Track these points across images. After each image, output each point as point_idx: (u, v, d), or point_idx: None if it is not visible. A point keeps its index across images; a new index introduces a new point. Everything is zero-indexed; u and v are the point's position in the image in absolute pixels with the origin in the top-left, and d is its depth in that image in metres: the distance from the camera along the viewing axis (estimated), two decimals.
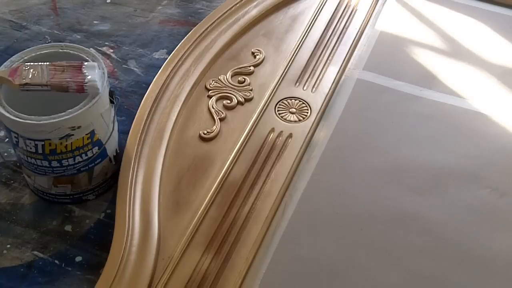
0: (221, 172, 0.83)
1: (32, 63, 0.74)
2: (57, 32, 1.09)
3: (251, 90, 0.95)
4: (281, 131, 0.89)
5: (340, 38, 1.05)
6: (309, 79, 0.98)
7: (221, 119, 0.90)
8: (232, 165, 0.84)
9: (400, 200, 0.82)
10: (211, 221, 0.78)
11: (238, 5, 1.07)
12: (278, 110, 0.92)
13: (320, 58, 1.01)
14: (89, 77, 0.72)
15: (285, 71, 0.98)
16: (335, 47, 1.03)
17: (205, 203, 0.79)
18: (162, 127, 0.87)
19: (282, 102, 0.94)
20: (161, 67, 0.95)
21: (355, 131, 0.91)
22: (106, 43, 1.07)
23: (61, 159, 0.75)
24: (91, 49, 0.87)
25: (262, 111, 0.92)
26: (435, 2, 1.15)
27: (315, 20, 1.08)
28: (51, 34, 1.08)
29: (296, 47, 1.02)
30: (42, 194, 0.82)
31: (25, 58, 0.77)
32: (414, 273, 0.74)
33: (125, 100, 0.96)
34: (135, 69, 1.03)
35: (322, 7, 1.11)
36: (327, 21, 1.08)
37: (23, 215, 0.81)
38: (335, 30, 1.06)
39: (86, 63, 0.74)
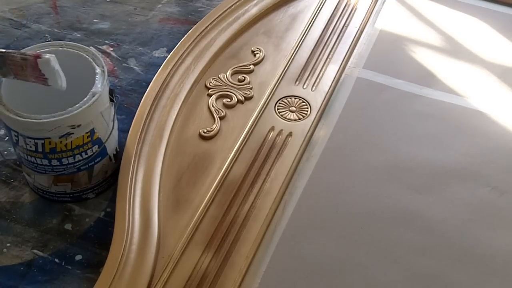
0: (221, 170, 0.83)
1: None
2: (57, 31, 1.09)
3: (251, 88, 0.95)
4: (281, 130, 0.89)
5: (340, 37, 1.05)
6: (309, 77, 0.97)
7: (221, 118, 0.90)
8: (232, 163, 0.84)
9: (400, 199, 0.82)
10: (211, 220, 0.78)
11: (238, 3, 1.07)
12: (278, 109, 0.92)
13: (320, 57, 1.01)
14: (49, 78, 0.70)
15: (285, 69, 0.98)
16: (335, 46, 1.03)
17: (205, 201, 0.79)
18: (162, 126, 0.87)
19: (282, 101, 0.94)
20: (161, 65, 0.95)
21: (355, 130, 0.91)
22: (106, 42, 1.07)
23: (61, 158, 0.75)
24: (91, 47, 0.87)
25: (262, 110, 0.92)
26: (435, 1, 1.15)
27: (315, 18, 1.08)
28: (51, 33, 1.08)
29: (296, 45, 1.02)
30: (42, 193, 0.82)
31: None
32: (413, 271, 0.74)
33: (125, 99, 0.96)
34: (135, 67, 1.03)
35: (322, 6, 1.11)
36: (327, 20, 1.08)
37: (23, 214, 0.81)
38: (335, 28, 1.06)
39: (40, 59, 0.69)
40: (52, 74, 0.69)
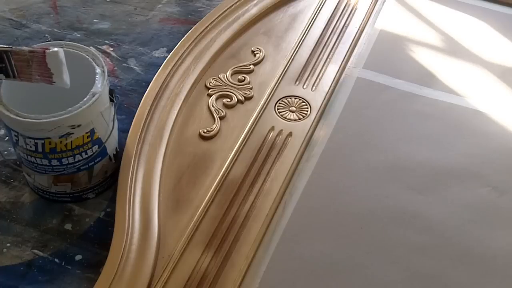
0: (221, 170, 0.83)
1: None
2: (57, 31, 1.09)
3: (251, 88, 0.95)
4: (281, 130, 0.89)
5: (340, 37, 1.05)
6: (309, 77, 0.98)
7: (221, 118, 0.90)
8: (232, 163, 0.84)
9: (400, 198, 0.82)
10: (211, 220, 0.78)
11: (238, 3, 1.07)
12: (278, 109, 0.92)
13: (320, 57, 1.01)
14: (54, 73, 0.69)
15: (285, 69, 0.98)
16: (335, 46, 1.03)
17: (205, 201, 0.79)
18: (162, 126, 0.87)
19: (282, 101, 0.94)
20: (161, 65, 0.95)
21: (355, 130, 0.91)
22: (106, 42, 1.07)
23: (61, 158, 0.75)
24: (91, 47, 0.87)
25: (262, 110, 0.92)
26: (435, 1, 1.15)
27: (315, 18, 1.08)
28: (51, 33, 1.08)
29: (296, 45, 1.02)
30: (42, 193, 0.82)
31: None
32: (414, 271, 0.74)
33: (125, 99, 0.96)
34: (135, 67, 1.03)
35: (322, 6, 1.11)
36: (327, 20, 1.08)
37: (23, 214, 0.81)
38: (335, 28, 1.06)
39: (49, 51, 0.68)
40: (58, 69, 0.69)
